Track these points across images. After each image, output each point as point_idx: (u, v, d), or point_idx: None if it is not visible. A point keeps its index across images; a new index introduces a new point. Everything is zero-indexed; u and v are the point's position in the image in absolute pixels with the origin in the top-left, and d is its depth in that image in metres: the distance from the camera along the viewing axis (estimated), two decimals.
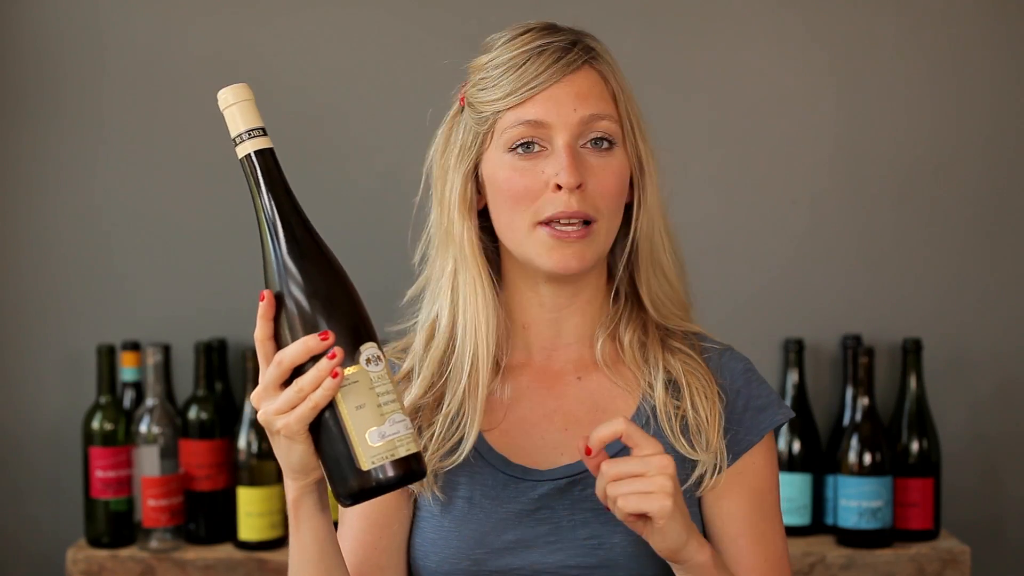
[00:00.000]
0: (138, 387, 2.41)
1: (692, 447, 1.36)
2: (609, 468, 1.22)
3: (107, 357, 2.36)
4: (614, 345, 1.42)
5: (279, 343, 1.19)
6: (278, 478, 2.33)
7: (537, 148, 1.34)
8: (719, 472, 1.36)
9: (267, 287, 1.19)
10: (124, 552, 2.31)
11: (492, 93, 1.35)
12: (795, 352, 2.45)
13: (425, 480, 1.37)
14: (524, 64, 1.35)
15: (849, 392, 2.43)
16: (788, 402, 2.45)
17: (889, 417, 2.45)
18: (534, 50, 1.35)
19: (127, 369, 2.40)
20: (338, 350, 1.15)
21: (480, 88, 1.37)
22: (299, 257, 1.18)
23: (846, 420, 2.43)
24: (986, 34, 2.50)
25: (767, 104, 2.49)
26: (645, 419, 1.39)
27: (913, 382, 2.44)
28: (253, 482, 2.30)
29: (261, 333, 1.20)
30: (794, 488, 2.41)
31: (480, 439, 1.39)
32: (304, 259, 1.18)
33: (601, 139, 1.35)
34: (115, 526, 2.33)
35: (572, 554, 1.34)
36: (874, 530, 2.33)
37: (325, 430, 1.17)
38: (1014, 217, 2.52)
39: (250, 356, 2.37)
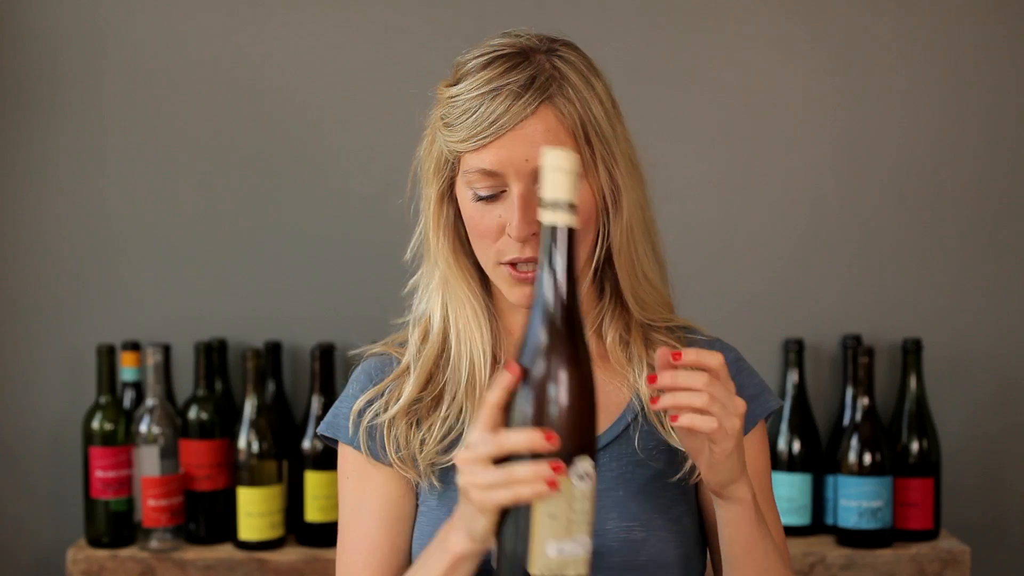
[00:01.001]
0: (138, 387, 2.41)
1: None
2: (711, 386, 1.20)
3: (107, 357, 2.36)
4: (600, 342, 1.43)
5: (506, 414, 1.16)
6: (278, 478, 2.33)
7: (495, 194, 1.32)
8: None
9: (518, 357, 1.15)
10: (124, 552, 2.31)
11: (452, 134, 1.33)
12: (795, 352, 2.45)
13: (422, 470, 1.38)
14: (479, 109, 1.30)
15: (849, 392, 2.43)
16: (788, 402, 2.45)
17: (889, 417, 2.45)
18: (489, 93, 1.30)
19: (127, 369, 2.40)
20: (561, 464, 1.12)
21: (444, 123, 1.34)
22: (562, 350, 1.15)
23: (846, 420, 2.43)
24: (986, 34, 2.49)
25: (767, 104, 2.49)
26: (635, 414, 1.39)
27: (913, 382, 2.44)
28: (253, 482, 2.30)
29: (494, 399, 1.15)
30: (794, 488, 2.41)
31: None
32: (567, 354, 1.14)
33: None
34: (115, 526, 2.33)
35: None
36: (874, 530, 2.33)
37: (512, 518, 1.15)
38: (1014, 217, 2.52)
39: (250, 356, 2.37)
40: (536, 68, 1.32)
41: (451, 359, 1.40)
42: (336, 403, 1.46)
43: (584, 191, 1.32)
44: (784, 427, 2.44)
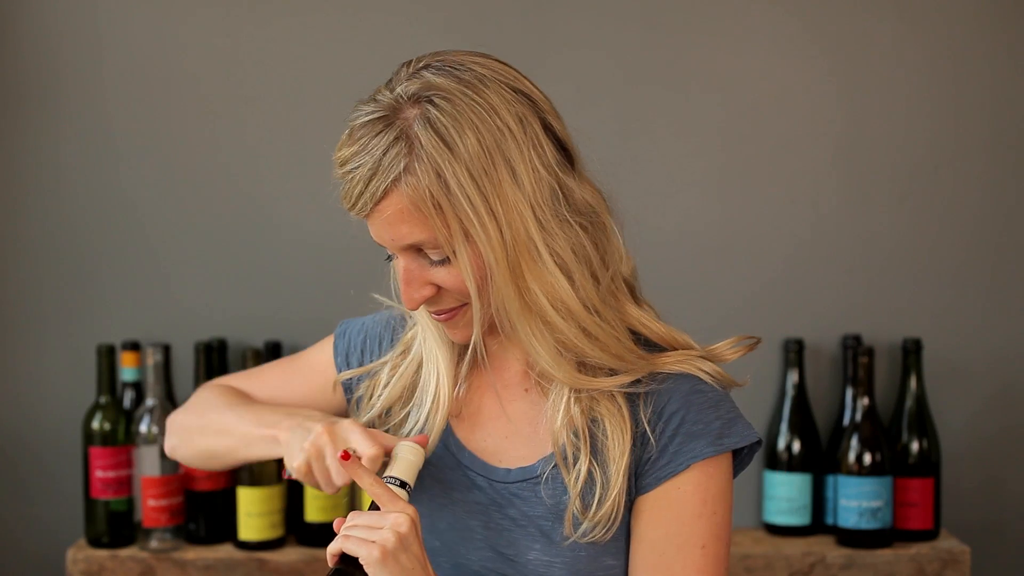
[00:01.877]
0: (138, 387, 2.41)
1: (585, 504, 1.33)
2: (352, 517, 1.27)
3: (107, 357, 2.36)
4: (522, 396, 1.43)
5: None
6: (278, 478, 2.33)
7: (392, 253, 1.34)
8: (613, 526, 1.33)
9: None
10: (124, 552, 2.31)
11: (341, 200, 1.34)
12: (795, 352, 2.45)
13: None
14: (344, 187, 1.30)
15: (849, 392, 2.43)
16: (788, 402, 2.44)
17: (889, 417, 2.45)
18: (348, 171, 1.29)
19: (127, 369, 2.40)
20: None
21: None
22: None
23: (846, 420, 2.43)
24: (986, 34, 2.49)
25: (767, 104, 2.49)
26: (564, 455, 1.36)
27: (913, 382, 2.44)
28: (253, 482, 2.30)
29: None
30: (794, 488, 2.41)
31: (450, 431, 1.42)
32: None
33: (434, 258, 1.30)
34: (115, 526, 2.33)
35: (491, 557, 1.36)
36: (874, 530, 2.33)
37: None
38: (1014, 217, 2.52)
39: (250, 356, 2.38)
40: (391, 139, 1.25)
41: (419, 381, 1.44)
42: (359, 320, 1.55)
43: (463, 259, 1.27)
44: (784, 427, 2.44)
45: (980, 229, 2.52)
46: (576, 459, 1.33)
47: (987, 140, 2.51)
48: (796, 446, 2.43)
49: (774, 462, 2.44)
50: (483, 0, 2.44)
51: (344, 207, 1.32)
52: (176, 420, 1.57)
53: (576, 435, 1.33)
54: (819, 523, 2.44)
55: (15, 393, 2.49)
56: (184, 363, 2.46)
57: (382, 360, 1.47)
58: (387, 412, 1.46)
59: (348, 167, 1.29)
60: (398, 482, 1.31)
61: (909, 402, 2.43)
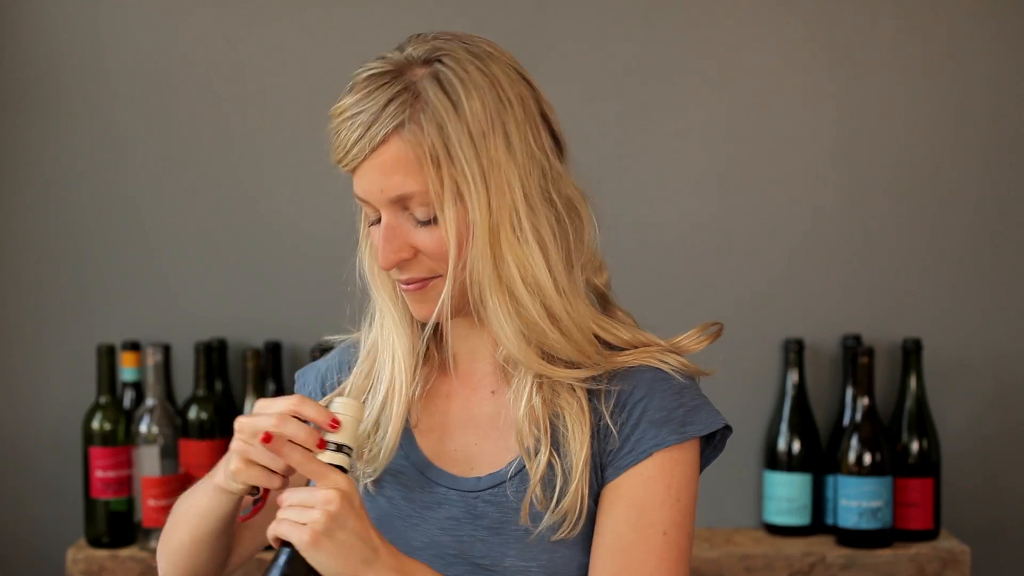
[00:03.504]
0: (138, 387, 2.41)
1: (546, 495, 1.33)
2: (288, 495, 1.24)
3: (107, 357, 2.36)
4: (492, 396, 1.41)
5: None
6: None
7: (373, 217, 1.33)
8: (580, 519, 1.32)
9: None
10: (124, 552, 2.31)
11: (331, 153, 1.34)
12: (795, 352, 2.45)
13: (360, 471, 1.41)
14: (340, 135, 1.31)
15: (849, 392, 2.43)
16: (788, 402, 2.44)
17: (889, 417, 2.46)
18: (348, 120, 1.29)
19: (127, 369, 2.40)
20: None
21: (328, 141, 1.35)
22: None
23: (846, 420, 2.43)
24: (986, 34, 2.49)
25: (767, 104, 2.49)
26: (558, 442, 1.35)
27: (913, 382, 2.44)
28: None
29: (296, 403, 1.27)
30: (794, 488, 2.41)
31: (408, 435, 1.40)
32: None
33: (418, 216, 1.29)
34: (115, 526, 2.33)
35: (467, 570, 1.35)
36: (874, 530, 2.33)
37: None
38: (1014, 217, 2.52)
39: (250, 356, 2.38)
40: (396, 90, 1.27)
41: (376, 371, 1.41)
42: (312, 366, 1.52)
43: (448, 223, 1.27)
44: (784, 427, 2.44)
45: (980, 229, 2.52)
46: (537, 450, 1.33)
47: (987, 140, 2.51)
48: (796, 446, 2.43)
49: (774, 462, 2.44)
50: None
51: (334, 160, 1.32)
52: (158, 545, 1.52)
53: (537, 426, 1.33)
54: (819, 523, 2.44)
55: (15, 393, 2.49)
56: (184, 363, 2.46)
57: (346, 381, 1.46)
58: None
59: (347, 114, 1.30)
60: (335, 446, 1.25)
61: (909, 402, 2.43)
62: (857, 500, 2.33)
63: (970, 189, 2.51)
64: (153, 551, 2.29)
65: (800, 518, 2.41)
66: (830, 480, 2.42)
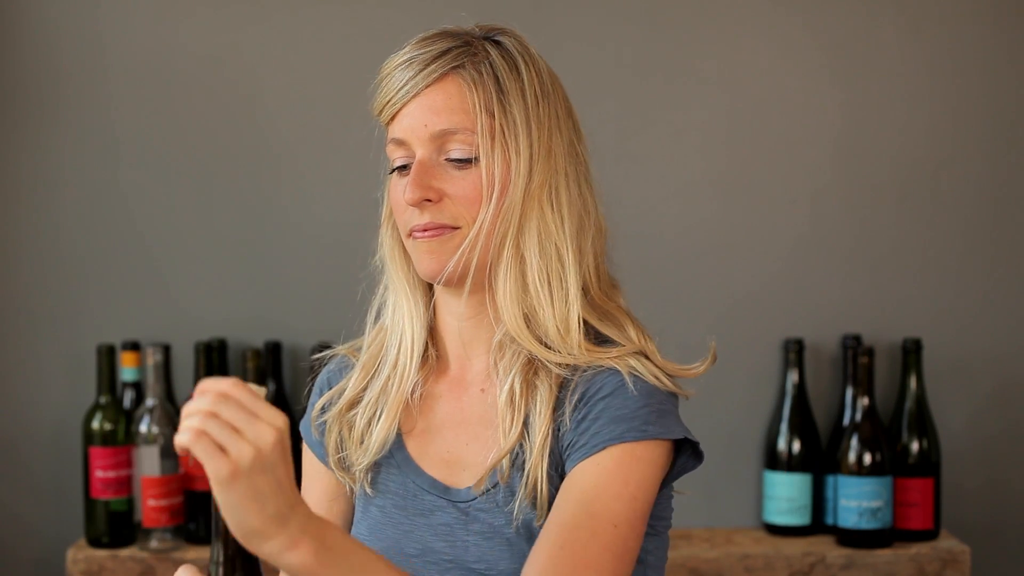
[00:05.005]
0: (138, 387, 2.41)
1: (515, 466, 1.33)
2: (215, 404, 1.04)
3: (107, 357, 2.36)
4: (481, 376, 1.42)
5: None
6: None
7: (406, 164, 1.35)
8: (537, 498, 1.32)
9: None
10: (124, 552, 2.31)
11: (375, 106, 1.38)
12: (795, 352, 2.45)
13: (357, 474, 1.41)
14: (391, 77, 1.34)
15: (849, 392, 2.43)
16: (788, 402, 2.44)
17: (889, 417, 2.46)
18: (403, 64, 1.34)
19: (127, 369, 2.40)
20: None
21: (373, 96, 1.38)
22: None
23: (846, 420, 2.43)
24: (986, 34, 2.50)
25: (767, 104, 2.49)
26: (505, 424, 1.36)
27: (913, 382, 2.44)
28: None
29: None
30: (794, 488, 2.41)
31: (399, 442, 1.41)
32: None
33: (456, 155, 1.32)
34: (115, 526, 2.33)
35: (462, 574, 1.34)
36: (874, 530, 2.33)
37: None
38: (1014, 217, 2.52)
39: (250, 356, 2.38)
40: (456, 43, 1.34)
41: (383, 354, 1.42)
42: (308, 411, 1.50)
43: (492, 164, 1.31)
44: (784, 427, 2.44)
45: (980, 229, 2.52)
46: (510, 429, 1.33)
47: (987, 140, 2.51)
48: (796, 446, 2.43)
49: (774, 462, 2.44)
50: None
51: (379, 106, 1.36)
52: None
53: (514, 407, 1.34)
54: (819, 523, 2.44)
55: (15, 393, 2.49)
56: (184, 363, 2.46)
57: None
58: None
59: (402, 60, 1.34)
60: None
61: (909, 402, 2.43)
62: (857, 500, 2.33)
63: (970, 189, 2.51)
64: (153, 551, 2.29)
65: (800, 518, 2.41)
66: (830, 480, 2.42)
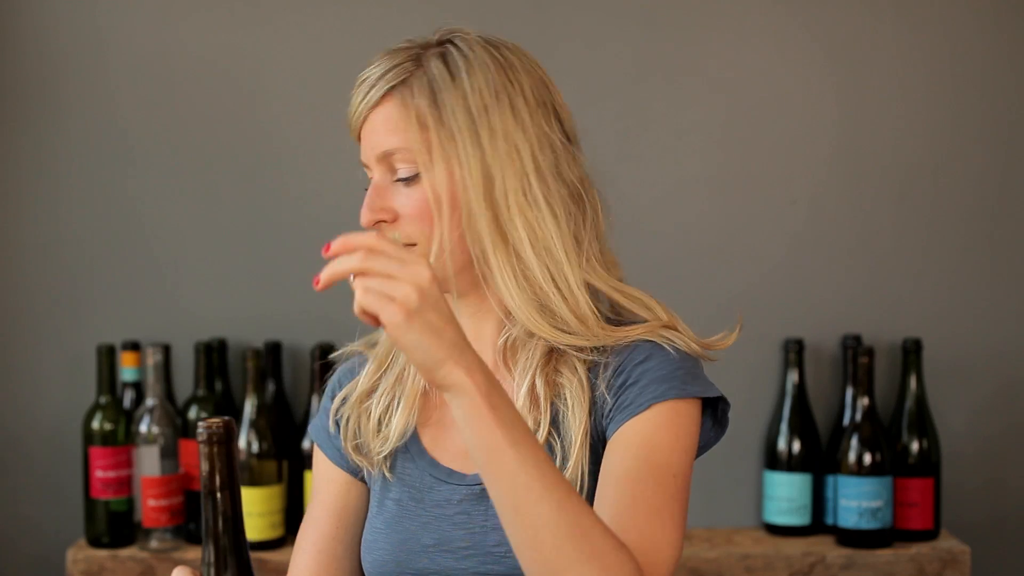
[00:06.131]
0: (138, 387, 2.41)
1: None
2: (368, 260, 1.14)
3: (107, 357, 2.36)
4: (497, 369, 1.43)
5: None
6: (278, 478, 2.33)
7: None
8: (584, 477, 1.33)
9: None
10: (124, 552, 2.31)
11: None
12: (795, 352, 2.45)
13: (375, 460, 1.42)
14: (349, 101, 1.38)
15: (849, 392, 2.43)
16: (788, 402, 2.44)
17: (889, 417, 2.46)
18: (356, 86, 1.37)
19: (127, 369, 2.40)
20: None
21: None
22: None
23: (846, 420, 2.43)
24: (985, 34, 2.50)
25: (767, 104, 2.49)
26: (557, 420, 1.37)
27: (913, 382, 2.44)
28: (253, 482, 2.30)
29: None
30: (794, 488, 2.41)
31: (414, 433, 1.42)
32: None
33: (402, 174, 1.34)
34: (115, 526, 2.33)
35: (482, 561, 1.35)
36: (874, 530, 2.33)
37: None
38: (1014, 217, 2.52)
39: (250, 356, 2.37)
40: (402, 59, 1.35)
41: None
42: (319, 414, 1.52)
43: (433, 179, 1.32)
44: (784, 427, 2.44)
45: (979, 229, 2.52)
46: (536, 430, 1.34)
47: (986, 140, 2.51)
48: (796, 446, 2.43)
49: (774, 462, 2.44)
50: None
51: (349, 128, 1.39)
52: None
53: (537, 406, 1.34)
54: (819, 523, 2.44)
55: (15, 393, 2.49)
56: (184, 363, 2.46)
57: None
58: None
59: (357, 82, 1.37)
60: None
61: (909, 402, 2.43)
62: (857, 500, 2.33)
63: (969, 189, 2.51)
64: (153, 551, 2.29)
65: (800, 518, 2.41)
66: (830, 480, 2.42)
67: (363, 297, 1.13)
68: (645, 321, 1.38)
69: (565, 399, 1.34)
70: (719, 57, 2.49)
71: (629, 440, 1.30)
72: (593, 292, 1.38)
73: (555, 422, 1.35)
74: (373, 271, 1.13)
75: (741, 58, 2.49)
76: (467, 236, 1.33)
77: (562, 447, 1.34)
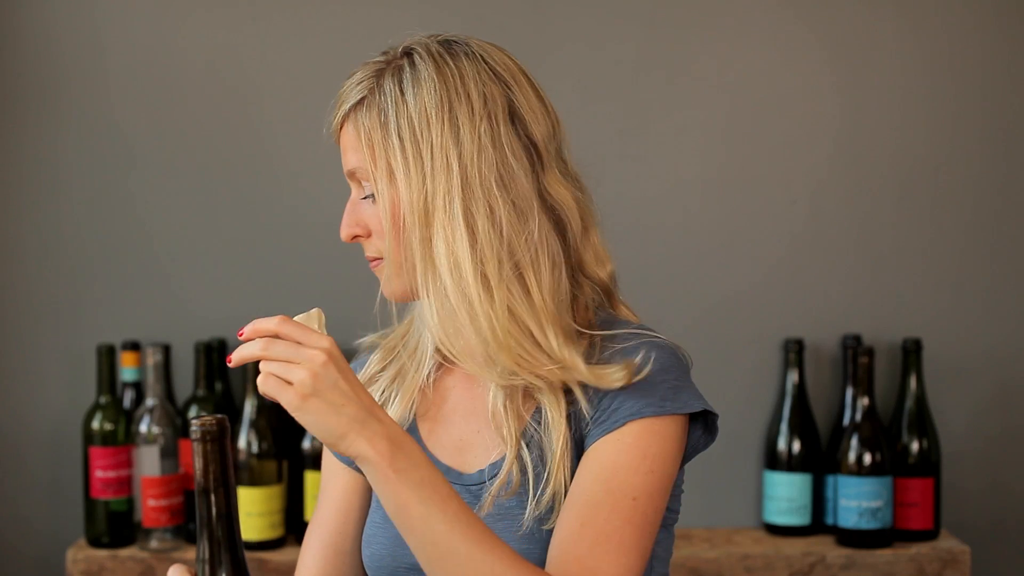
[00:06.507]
0: (138, 387, 2.41)
1: (526, 488, 1.34)
2: (266, 347, 1.22)
3: (107, 357, 2.36)
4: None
5: None
6: (278, 478, 2.33)
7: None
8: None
9: None
10: (124, 552, 2.31)
11: None
12: (795, 352, 2.45)
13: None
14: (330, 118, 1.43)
15: (849, 392, 2.43)
16: (788, 402, 2.44)
17: (889, 417, 2.46)
18: (333, 103, 1.42)
19: (127, 369, 2.40)
20: None
21: None
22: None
23: (846, 420, 2.43)
24: (986, 34, 2.50)
25: (767, 103, 2.49)
26: (530, 435, 1.37)
27: (913, 382, 2.44)
28: (253, 482, 2.30)
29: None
30: (794, 488, 2.41)
31: (412, 427, 1.43)
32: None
33: (366, 191, 1.38)
34: (115, 526, 2.33)
35: None
36: (874, 530, 2.33)
37: None
38: (1014, 216, 2.52)
39: None
40: (367, 77, 1.38)
41: (407, 339, 1.47)
42: None
43: (381, 197, 1.34)
44: (784, 427, 2.44)
45: (980, 229, 2.52)
46: (512, 445, 1.34)
47: (986, 140, 2.51)
48: (796, 446, 2.43)
49: (774, 462, 2.44)
50: None
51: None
52: None
53: (509, 421, 1.35)
54: (819, 523, 2.44)
55: (15, 392, 2.49)
56: (184, 363, 2.46)
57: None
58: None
59: (335, 99, 1.42)
60: None
61: (909, 402, 2.43)
62: (857, 500, 2.33)
63: (969, 189, 2.51)
64: (153, 551, 2.29)
65: (800, 518, 2.41)
66: (830, 480, 2.42)
67: (263, 382, 1.20)
68: (631, 324, 1.38)
69: (544, 413, 1.34)
70: (719, 57, 2.49)
71: (594, 460, 1.31)
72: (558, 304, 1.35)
73: (531, 438, 1.35)
74: (272, 357, 1.21)
75: (741, 58, 2.49)
76: (404, 254, 1.35)
77: (543, 461, 1.33)
